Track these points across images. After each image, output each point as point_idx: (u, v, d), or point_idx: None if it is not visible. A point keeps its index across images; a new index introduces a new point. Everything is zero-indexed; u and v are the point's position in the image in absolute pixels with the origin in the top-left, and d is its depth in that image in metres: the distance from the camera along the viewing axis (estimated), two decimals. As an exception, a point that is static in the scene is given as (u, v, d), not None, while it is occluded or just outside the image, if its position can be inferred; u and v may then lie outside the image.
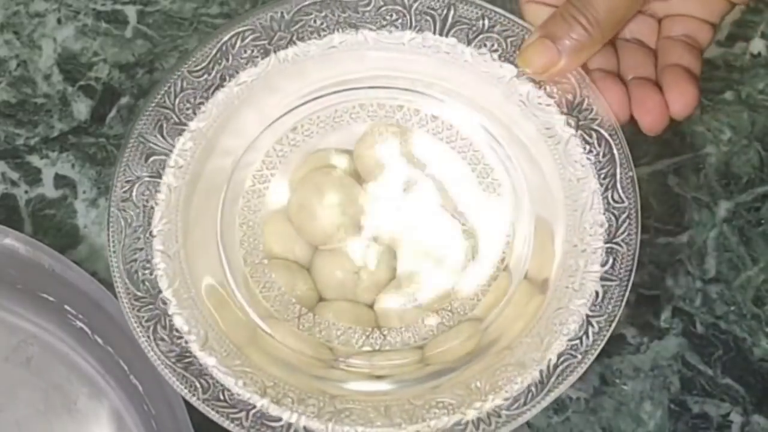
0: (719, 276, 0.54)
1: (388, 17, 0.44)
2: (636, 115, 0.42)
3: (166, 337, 0.42)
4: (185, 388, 0.41)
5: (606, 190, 0.42)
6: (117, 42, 0.56)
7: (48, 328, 0.50)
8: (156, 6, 0.57)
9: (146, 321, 0.42)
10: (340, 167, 0.47)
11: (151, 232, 0.43)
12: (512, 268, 0.46)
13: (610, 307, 0.42)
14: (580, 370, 0.41)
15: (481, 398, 0.42)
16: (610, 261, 0.42)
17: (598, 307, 0.42)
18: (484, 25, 0.43)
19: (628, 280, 0.42)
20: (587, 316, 0.42)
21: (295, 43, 0.44)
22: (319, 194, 0.46)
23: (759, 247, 0.54)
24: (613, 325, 0.42)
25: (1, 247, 0.48)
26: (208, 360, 0.42)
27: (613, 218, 0.42)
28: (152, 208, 0.43)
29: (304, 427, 0.41)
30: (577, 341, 0.41)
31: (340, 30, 0.44)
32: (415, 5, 0.44)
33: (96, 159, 0.54)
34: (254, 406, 0.41)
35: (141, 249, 0.43)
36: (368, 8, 0.44)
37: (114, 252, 0.42)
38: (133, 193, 0.43)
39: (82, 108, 0.55)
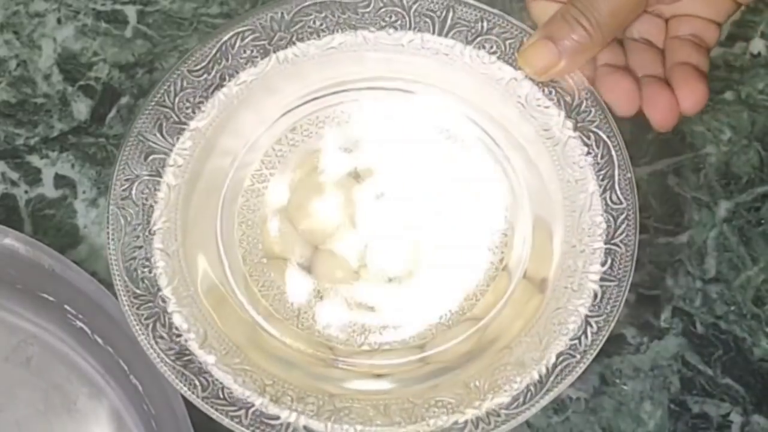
0: (719, 276, 0.54)
1: (387, 18, 0.44)
2: (647, 112, 0.42)
3: (165, 335, 0.42)
4: (184, 386, 0.41)
5: (604, 191, 0.42)
6: (117, 42, 0.56)
7: (48, 328, 0.50)
8: (156, 6, 0.57)
9: (145, 319, 0.42)
10: (340, 167, 0.47)
11: (150, 231, 0.43)
12: (511, 268, 0.46)
13: (608, 307, 0.42)
14: (579, 370, 0.41)
15: (480, 397, 0.42)
16: (609, 262, 0.42)
17: (596, 307, 0.42)
18: (482, 27, 0.44)
19: (627, 281, 0.42)
20: (586, 316, 0.42)
21: (294, 43, 0.44)
22: (319, 194, 0.46)
23: (759, 247, 0.54)
24: (612, 325, 0.42)
25: (1, 247, 0.48)
26: (207, 358, 0.42)
27: (611, 219, 0.42)
28: (151, 206, 0.43)
29: (304, 426, 0.41)
30: (576, 341, 0.42)
31: (340, 31, 0.44)
32: (415, 7, 0.44)
33: (96, 159, 0.54)
34: (253, 405, 0.42)
35: (140, 247, 0.43)
36: (368, 9, 0.44)
37: (113, 250, 0.43)
38: (133, 192, 0.43)
39: (82, 108, 0.55)
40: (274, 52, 0.44)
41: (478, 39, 0.44)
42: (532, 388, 0.41)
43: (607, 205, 0.42)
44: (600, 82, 0.43)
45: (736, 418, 0.52)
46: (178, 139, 0.43)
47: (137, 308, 0.42)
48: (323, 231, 0.46)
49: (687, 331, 0.53)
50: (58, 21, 0.57)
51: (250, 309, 0.45)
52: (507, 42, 0.43)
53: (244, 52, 0.44)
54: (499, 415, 0.41)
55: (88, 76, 0.56)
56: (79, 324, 0.49)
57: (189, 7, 0.57)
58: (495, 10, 0.44)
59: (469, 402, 0.42)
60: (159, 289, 0.42)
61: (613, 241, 0.42)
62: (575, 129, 0.43)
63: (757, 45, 0.57)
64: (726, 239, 0.54)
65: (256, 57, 0.44)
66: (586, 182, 0.43)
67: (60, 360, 0.50)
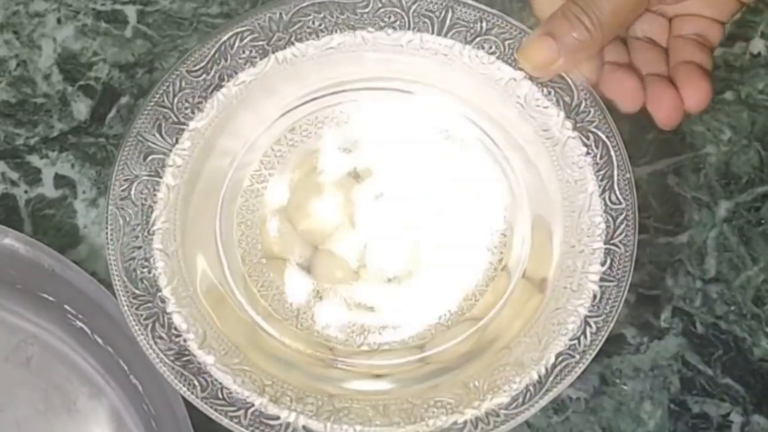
0: (719, 276, 0.54)
1: (386, 19, 0.44)
2: (651, 110, 0.42)
3: (164, 336, 0.42)
4: (183, 386, 0.41)
5: (603, 191, 0.42)
6: (117, 42, 0.56)
7: (48, 328, 0.50)
8: (156, 6, 0.57)
9: (145, 319, 0.42)
10: (339, 167, 0.47)
11: (149, 231, 0.43)
12: (511, 268, 0.46)
13: (608, 307, 0.42)
14: (579, 370, 0.41)
15: (479, 397, 0.42)
16: (608, 262, 0.42)
17: (596, 307, 0.42)
18: (481, 27, 0.44)
19: (626, 281, 0.42)
20: (585, 316, 0.42)
21: (293, 44, 0.44)
22: (318, 194, 0.46)
23: (759, 247, 0.54)
24: (611, 325, 0.42)
25: (1, 247, 0.48)
26: (206, 358, 0.42)
27: (610, 219, 0.42)
28: (151, 206, 0.43)
29: (303, 426, 0.41)
30: (576, 341, 0.42)
31: (339, 31, 0.44)
32: (414, 7, 0.44)
33: (96, 159, 0.54)
34: (253, 405, 0.41)
35: (139, 247, 0.43)
36: (366, 10, 0.44)
37: (112, 250, 0.43)
38: (132, 192, 0.43)
39: (81, 108, 0.55)
40: (273, 52, 0.44)
41: (477, 39, 0.44)
42: (531, 389, 0.41)
43: (606, 205, 0.42)
44: (604, 79, 0.43)
45: (736, 418, 0.52)
46: (177, 139, 0.43)
47: (136, 308, 0.42)
48: (322, 231, 0.46)
49: (687, 331, 0.53)
50: (58, 21, 0.57)
51: (250, 309, 0.45)
52: (506, 42, 0.43)
53: (243, 52, 0.44)
54: (498, 416, 0.41)
55: (88, 76, 0.56)
56: (79, 324, 0.49)
57: (189, 7, 0.57)
58: (494, 11, 0.44)
59: (469, 402, 0.42)
60: (158, 290, 0.42)
61: (612, 242, 0.42)
62: (574, 129, 0.43)
63: (757, 45, 0.57)
64: (726, 239, 0.54)
65: (255, 57, 0.44)
66: (585, 182, 0.43)
67: (60, 360, 0.50)
